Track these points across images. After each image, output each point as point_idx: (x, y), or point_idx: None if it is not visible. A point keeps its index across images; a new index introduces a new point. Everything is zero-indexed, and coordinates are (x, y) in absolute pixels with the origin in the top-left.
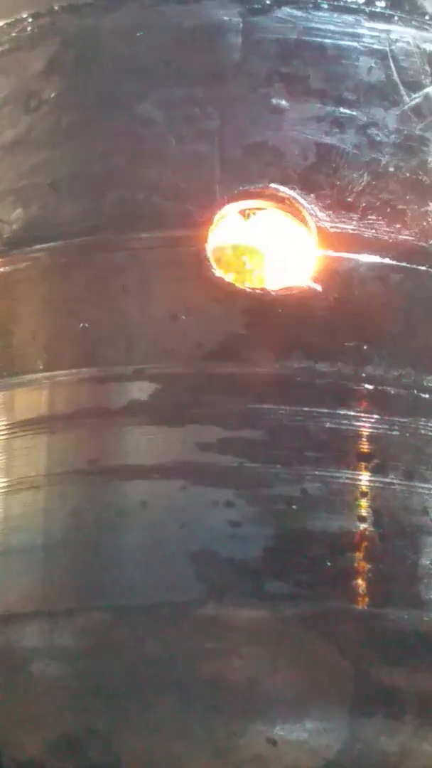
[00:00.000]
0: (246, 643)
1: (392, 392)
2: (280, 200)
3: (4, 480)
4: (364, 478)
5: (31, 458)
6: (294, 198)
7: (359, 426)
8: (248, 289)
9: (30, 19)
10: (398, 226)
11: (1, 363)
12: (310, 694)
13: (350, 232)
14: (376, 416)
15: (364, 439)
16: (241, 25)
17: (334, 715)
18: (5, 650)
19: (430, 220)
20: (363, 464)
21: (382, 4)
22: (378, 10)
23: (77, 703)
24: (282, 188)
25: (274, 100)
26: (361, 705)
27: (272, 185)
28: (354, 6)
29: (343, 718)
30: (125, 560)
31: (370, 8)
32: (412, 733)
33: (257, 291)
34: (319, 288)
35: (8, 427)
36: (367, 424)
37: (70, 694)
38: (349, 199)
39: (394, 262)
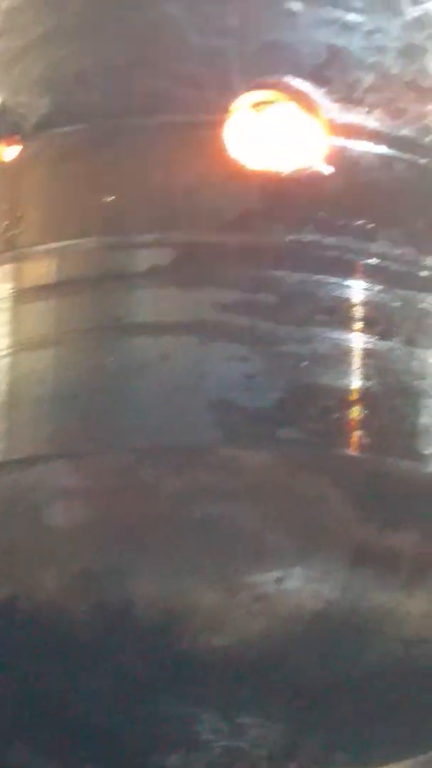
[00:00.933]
0: (257, 485)
1: (395, 267)
2: (293, 92)
3: (25, 338)
4: (370, 341)
5: (53, 317)
6: (306, 91)
7: (365, 294)
8: (265, 170)
9: None
10: (400, 122)
11: (26, 234)
12: (316, 540)
13: (357, 123)
14: (379, 287)
15: (369, 307)
16: None
17: (335, 562)
18: (27, 492)
19: (428, 119)
20: (368, 328)
21: None
22: None
23: (97, 541)
24: (296, 81)
25: (289, 4)
26: (359, 556)
27: (286, 78)
28: None
29: (343, 566)
30: (147, 407)
31: None
32: (400, 588)
33: (271, 170)
34: (329, 170)
35: (18, 293)
36: (371, 294)
37: (90, 533)
38: (356, 95)
39: (397, 153)
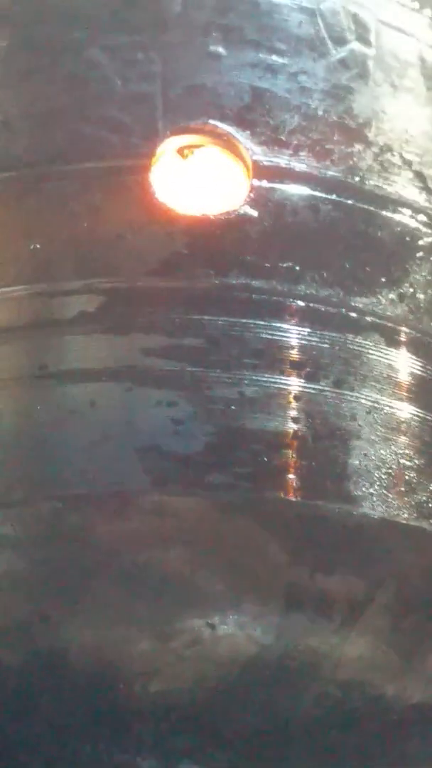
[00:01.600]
0: (188, 530)
1: (323, 309)
2: (218, 136)
3: None
4: (298, 384)
5: None
6: (231, 134)
7: (292, 337)
8: (189, 213)
9: None
10: (327, 163)
11: None
12: (247, 583)
13: (283, 165)
14: (308, 329)
15: (297, 349)
16: None
17: (267, 607)
18: None
19: (355, 159)
20: (296, 371)
21: None
22: None
23: (28, 591)
24: (220, 125)
25: (212, 48)
26: (292, 599)
27: (211, 122)
28: None
29: (276, 610)
30: (75, 454)
31: None
32: (334, 632)
33: (197, 215)
34: (255, 213)
35: None
36: (299, 336)
37: (21, 583)
38: (282, 137)
39: (323, 195)
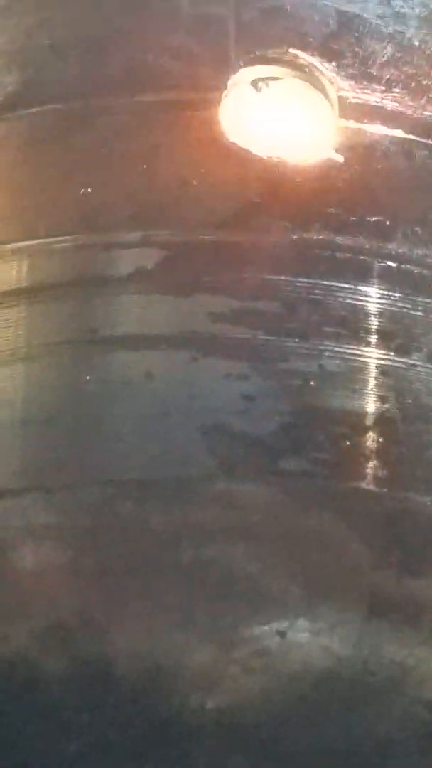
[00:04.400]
0: (258, 523)
1: (416, 271)
2: (298, 67)
3: None
4: (387, 357)
5: (22, 329)
6: (314, 65)
7: (382, 303)
8: (264, 157)
9: None
10: (423, 101)
11: None
12: (325, 585)
13: (373, 104)
14: (398, 294)
15: (386, 317)
16: None
17: (347, 612)
18: None
19: None
20: (385, 343)
21: None
22: None
23: (72, 589)
24: (302, 54)
25: None
26: (375, 605)
27: (291, 50)
28: None
29: (356, 617)
30: (129, 433)
31: None
32: (421, 643)
33: (274, 159)
34: (340, 159)
35: None
36: (389, 302)
37: (64, 579)
38: (372, 70)
39: (419, 138)
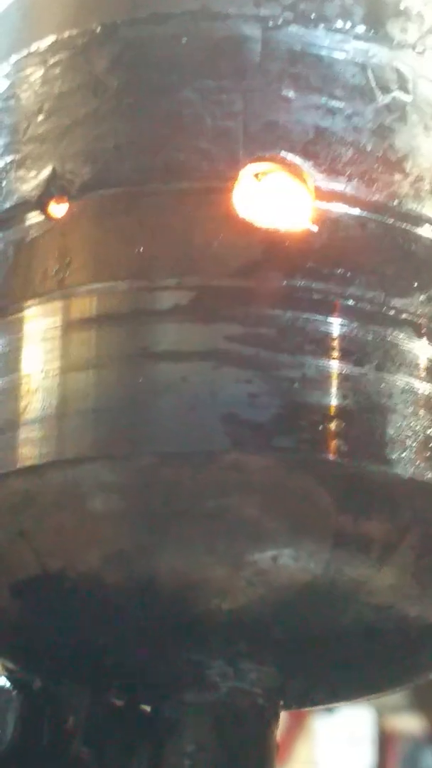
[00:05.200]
0: (259, 483)
1: (368, 308)
2: (287, 165)
3: (71, 361)
4: (347, 367)
5: (94, 345)
6: (297, 163)
7: (343, 330)
8: (264, 227)
9: (98, 29)
10: (373, 189)
11: (72, 277)
12: (304, 525)
13: (338, 191)
14: (355, 324)
15: (347, 339)
16: (261, 36)
17: (319, 544)
18: (74, 486)
19: (395, 187)
20: (346, 357)
21: (362, 29)
22: (360, 32)
23: (128, 526)
24: (289, 155)
25: (284, 92)
26: (338, 540)
27: (282, 153)
28: (341, 29)
29: (325, 547)
30: (169, 419)
31: (354, 31)
32: (370, 566)
33: (270, 228)
34: (315, 228)
35: (66, 324)
36: (348, 329)
37: (124, 520)
38: (338, 167)
39: (370, 215)
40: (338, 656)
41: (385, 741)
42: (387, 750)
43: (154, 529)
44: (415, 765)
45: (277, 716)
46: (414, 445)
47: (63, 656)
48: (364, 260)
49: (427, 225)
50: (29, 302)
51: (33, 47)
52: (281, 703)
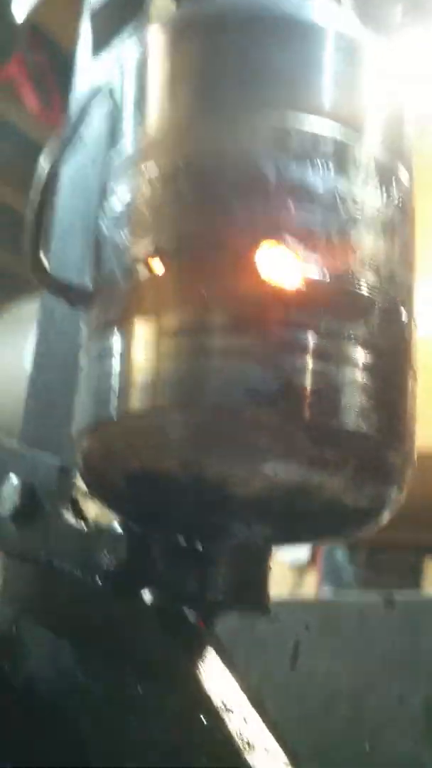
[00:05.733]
0: (264, 427)
1: (330, 329)
2: (287, 244)
3: (154, 355)
4: (319, 363)
5: (170, 347)
6: (293, 244)
7: (315, 341)
8: (283, 287)
9: (180, 161)
10: (336, 262)
11: (156, 305)
12: (293, 452)
13: (314, 261)
14: (325, 339)
15: (318, 347)
16: (275, 171)
17: (302, 465)
18: (161, 422)
19: (349, 263)
20: (317, 358)
21: (333, 170)
22: (332, 173)
23: (193, 445)
24: (289, 239)
25: (287, 203)
26: (312, 459)
27: (285, 237)
28: (321, 169)
29: (303, 463)
30: (212, 389)
31: (329, 171)
32: (331, 475)
33: (285, 288)
34: (301, 284)
35: (158, 333)
36: (319, 342)
37: (191, 443)
38: (316, 248)
39: (333, 277)
40: (305, 521)
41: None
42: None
43: (205, 447)
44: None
45: (270, 552)
46: (354, 410)
47: (153, 515)
48: (331, 305)
49: (364, 284)
50: (137, 317)
51: (142, 167)
52: (271, 545)
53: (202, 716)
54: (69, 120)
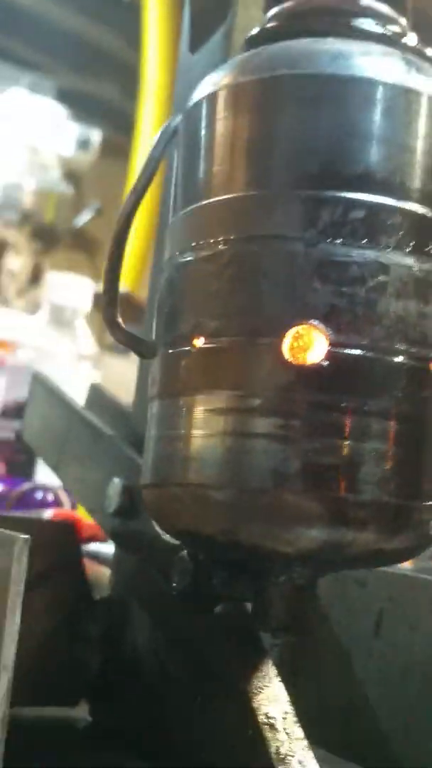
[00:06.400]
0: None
1: (357, 407)
2: (315, 327)
3: (198, 430)
4: (341, 441)
5: (209, 422)
6: (320, 326)
7: (344, 419)
8: (296, 363)
9: (221, 244)
10: (366, 341)
11: (198, 383)
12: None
13: (342, 341)
14: (349, 416)
15: (343, 423)
16: (303, 251)
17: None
18: (203, 494)
19: (374, 335)
20: (339, 433)
21: (364, 241)
22: (362, 243)
23: (227, 516)
24: (315, 321)
25: (314, 284)
26: (334, 525)
27: (312, 320)
28: (350, 242)
29: (323, 529)
30: (247, 466)
31: (358, 242)
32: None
33: (305, 366)
34: (327, 363)
35: (200, 408)
36: (345, 418)
37: (226, 513)
38: (342, 328)
39: (360, 353)
40: (345, 562)
41: None
42: None
43: (241, 519)
44: None
45: (314, 588)
46: (374, 480)
47: (208, 551)
48: (356, 380)
49: (394, 352)
50: (183, 395)
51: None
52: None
53: (249, 731)
54: (148, 160)
